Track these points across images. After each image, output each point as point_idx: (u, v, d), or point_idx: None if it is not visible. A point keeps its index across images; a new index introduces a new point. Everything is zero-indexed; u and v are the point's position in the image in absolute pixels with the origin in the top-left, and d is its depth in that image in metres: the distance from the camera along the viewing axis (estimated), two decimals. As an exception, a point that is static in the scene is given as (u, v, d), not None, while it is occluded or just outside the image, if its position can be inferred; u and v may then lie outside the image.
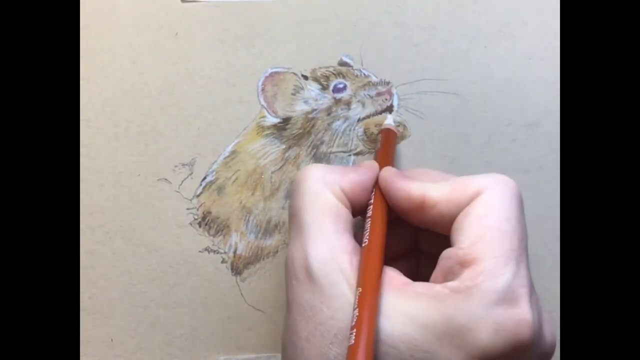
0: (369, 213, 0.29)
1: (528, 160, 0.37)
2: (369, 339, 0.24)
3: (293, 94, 0.37)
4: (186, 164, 0.37)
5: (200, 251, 0.36)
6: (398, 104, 0.37)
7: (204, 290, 0.36)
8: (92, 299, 0.35)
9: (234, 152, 0.37)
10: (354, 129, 0.37)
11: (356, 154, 0.37)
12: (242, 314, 0.36)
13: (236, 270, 0.36)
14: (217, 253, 0.36)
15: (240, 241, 0.36)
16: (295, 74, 0.37)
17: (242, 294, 0.36)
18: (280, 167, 0.37)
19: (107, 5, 0.37)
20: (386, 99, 0.37)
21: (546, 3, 0.38)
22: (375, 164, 0.32)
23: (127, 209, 0.36)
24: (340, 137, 0.37)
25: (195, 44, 0.37)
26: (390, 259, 0.29)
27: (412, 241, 0.33)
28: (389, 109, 0.37)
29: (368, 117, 0.37)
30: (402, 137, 0.37)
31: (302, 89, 0.37)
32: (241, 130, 0.37)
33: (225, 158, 0.37)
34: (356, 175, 0.30)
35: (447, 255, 0.26)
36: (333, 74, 0.37)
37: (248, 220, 0.37)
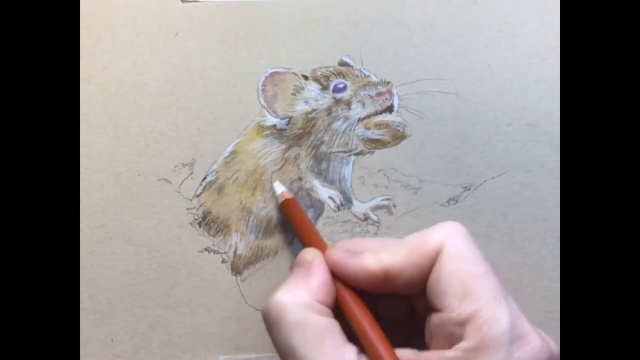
0: (347, 311, 0.28)
1: (529, 160, 0.37)
2: None
3: (293, 94, 0.37)
4: (186, 164, 0.37)
5: (200, 251, 0.36)
6: (398, 104, 0.37)
7: (204, 290, 0.36)
8: (92, 299, 0.35)
9: (234, 152, 0.37)
10: (354, 129, 0.37)
11: (356, 154, 0.37)
12: (242, 314, 0.36)
13: (236, 270, 0.36)
14: (217, 253, 0.36)
15: (240, 241, 0.36)
16: (295, 74, 0.37)
17: (242, 294, 0.36)
18: (281, 167, 0.37)
19: (107, 5, 0.37)
20: (386, 99, 0.37)
21: (546, 3, 0.38)
22: (316, 252, 0.30)
23: (127, 209, 0.36)
24: (341, 137, 0.37)
25: (196, 44, 0.37)
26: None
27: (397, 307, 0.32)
28: (390, 109, 0.37)
29: (368, 117, 0.37)
30: (402, 137, 0.37)
31: (302, 89, 0.37)
32: (241, 130, 0.37)
33: (225, 158, 0.37)
34: (317, 278, 0.29)
35: (441, 323, 0.27)
36: (333, 74, 0.37)
37: (248, 220, 0.37)
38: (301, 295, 0.28)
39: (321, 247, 0.31)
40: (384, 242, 0.30)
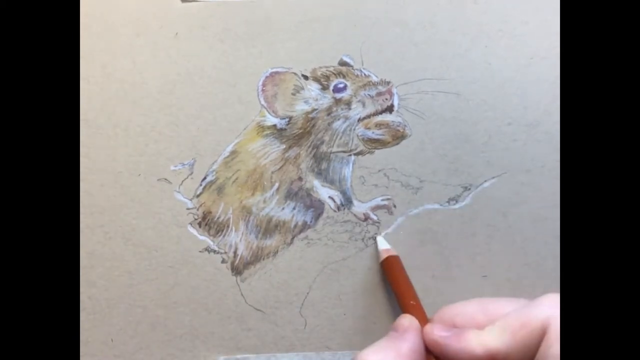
0: None
1: (529, 159, 0.37)
2: None
3: (293, 94, 0.37)
4: (186, 164, 0.37)
5: (200, 251, 0.36)
6: (398, 104, 0.37)
7: (204, 290, 0.36)
8: (92, 299, 0.35)
9: (234, 152, 0.37)
10: (354, 129, 0.37)
11: (356, 154, 0.37)
12: (242, 314, 0.36)
13: (236, 270, 0.36)
14: (217, 253, 0.36)
15: (240, 241, 0.36)
16: (295, 73, 0.37)
17: (242, 294, 0.36)
18: (281, 167, 0.37)
19: (107, 5, 0.37)
20: (386, 99, 0.37)
21: (546, 2, 0.38)
22: (413, 320, 0.30)
23: (127, 209, 0.36)
24: (341, 137, 0.37)
25: (195, 43, 0.37)
26: None
27: None
28: (390, 109, 0.37)
29: (368, 116, 0.37)
30: (403, 137, 0.37)
31: (303, 88, 0.37)
32: (241, 130, 0.37)
33: (225, 158, 0.37)
34: (407, 344, 0.28)
35: None
36: (333, 73, 0.37)
37: (248, 220, 0.36)
38: (387, 358, 0.28)
39: (420, 315, 0.30)
40: (484, 310, 0.28)
